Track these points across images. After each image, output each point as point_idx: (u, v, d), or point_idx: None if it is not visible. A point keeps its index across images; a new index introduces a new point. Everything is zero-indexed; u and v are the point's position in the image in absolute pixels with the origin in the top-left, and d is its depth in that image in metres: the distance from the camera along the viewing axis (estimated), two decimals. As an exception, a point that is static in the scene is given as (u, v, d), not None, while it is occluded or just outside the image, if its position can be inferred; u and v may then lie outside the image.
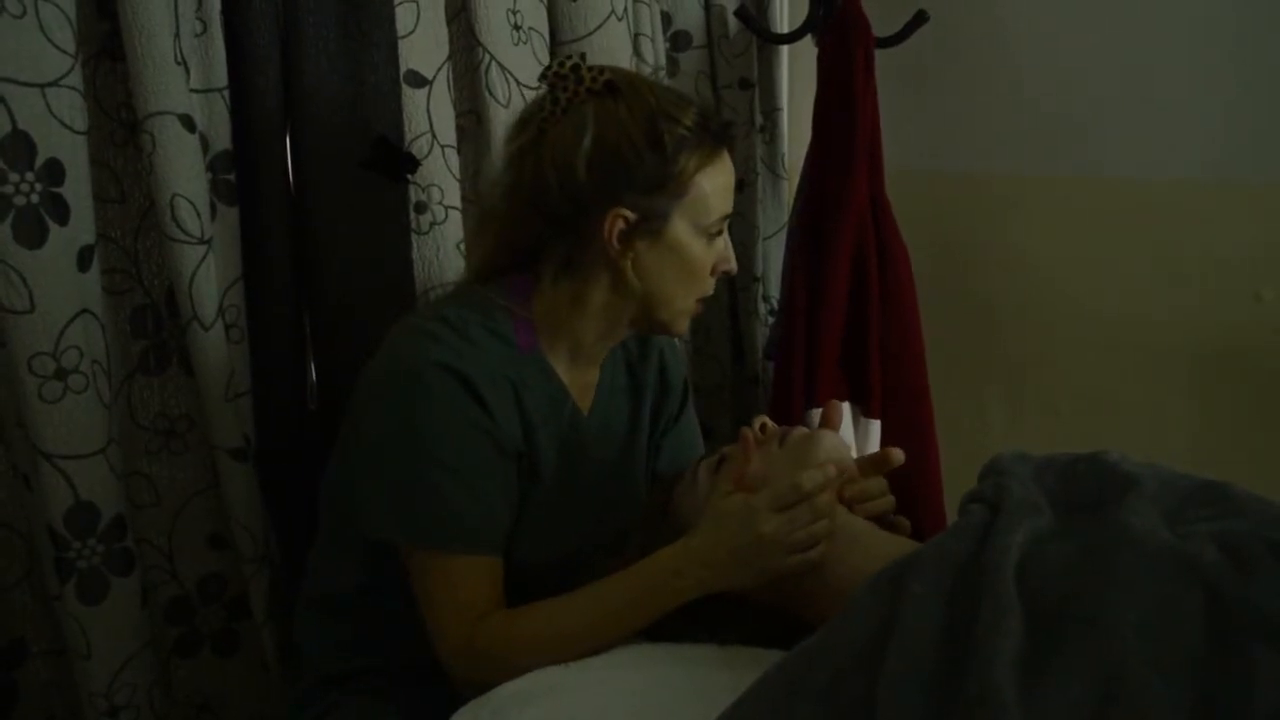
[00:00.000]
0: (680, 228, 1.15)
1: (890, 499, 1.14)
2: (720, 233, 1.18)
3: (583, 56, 1.14)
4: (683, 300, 1.19)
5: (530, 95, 1.48)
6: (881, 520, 1.12)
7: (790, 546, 1.04)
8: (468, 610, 1.11)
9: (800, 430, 1.15)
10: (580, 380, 1.25)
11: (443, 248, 1.49)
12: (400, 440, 1.12)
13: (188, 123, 1.26)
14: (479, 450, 1.13)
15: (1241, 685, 0.69)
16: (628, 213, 1.12)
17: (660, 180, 1.12)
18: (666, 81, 1.76)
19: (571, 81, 1.12)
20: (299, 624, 1.31)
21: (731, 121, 1.27)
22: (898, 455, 1.13)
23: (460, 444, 1.12)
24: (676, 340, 1.39)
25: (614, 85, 1.12)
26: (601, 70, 1.13)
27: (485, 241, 1.26)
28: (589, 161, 1.10)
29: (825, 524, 1.04)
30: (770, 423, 1.17)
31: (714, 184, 1.15)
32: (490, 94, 1.51)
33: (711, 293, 1.22)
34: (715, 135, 1.15)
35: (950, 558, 0.84)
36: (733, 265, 1.21)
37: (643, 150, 1.11)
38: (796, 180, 1.86)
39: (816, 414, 1.69)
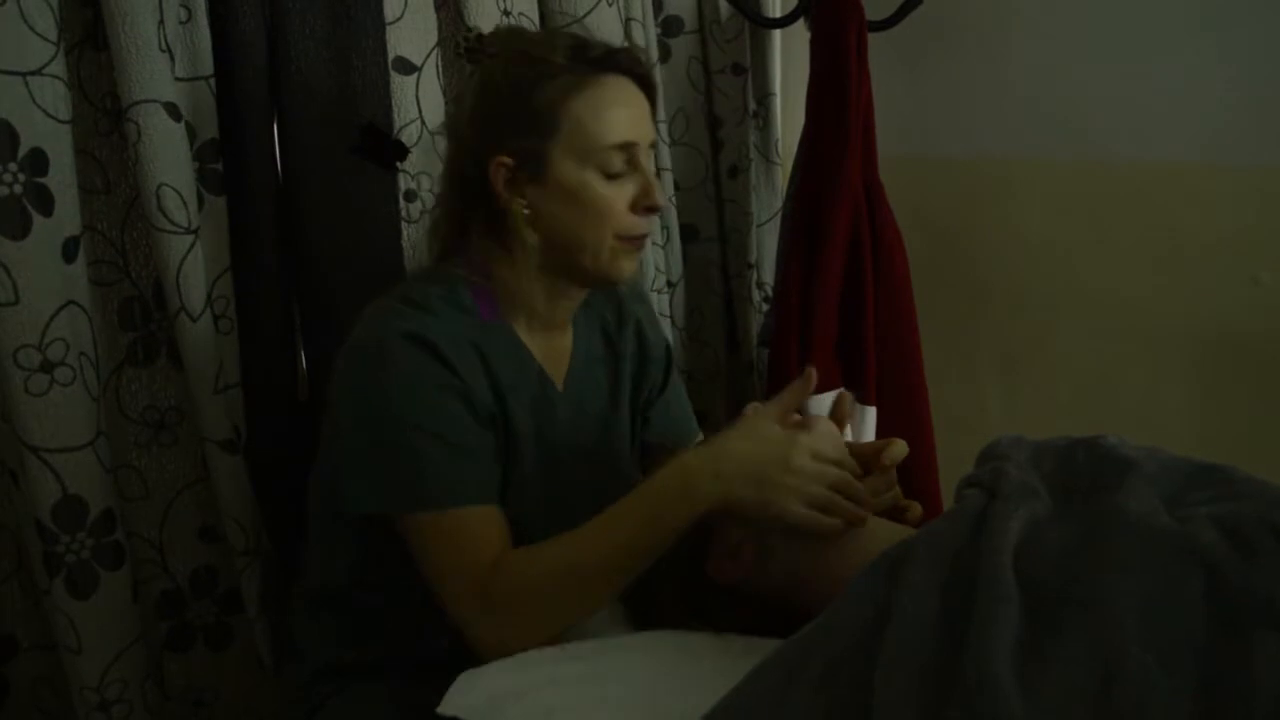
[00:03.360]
0: (565, 166, 1.13)
1: (897, 491, 1.13)
2: (623, 163, 1.14)
3: (500, 28, 1.17)
4: (595, 241, 1.15)
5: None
6: (890, 512, 1.11)
7: (807, 495, 1.02)
8: (474, 564, 1.06)
9: (795, 419, 1.14)
10: (550, 348, 1.23)
11: (433, 236, 1.48)
12: (372, 412, 1.10)
13: (173, 111, 1.24)
14: (451, 409, 1.10)
15: (1242, 669, 0.68)
16: (506, 159, 1.12)
17: (527, 119, 1.11)
18: (660, 65, 1.75)
19: (478, 54, 1.16)
20: (293, 617, 1.30)
21: (616, 47, 1.18)
22: (900, 449, 1.12)
23: (432, 406, 1.09)
24: (660, 314, 1.37)
25: (500, 44, 1.15)
26: (496, 34, 1.16)
27: (441, 220, 1.25)
28: (470, 118, 1.15)
29: (841, 501, 1.03)
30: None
31: (593, 111, 1.12)
32: (480, 80, 1.50)
33: (642, 231, 1.17)
34: (590, 62, 1.13)
35: (947, 544, 0.83)
36: (656, 198, 1.16)
37: (506, 94, 1.12)
38: (790, 166, 1.84)
39: (815, 400, 1.68)
